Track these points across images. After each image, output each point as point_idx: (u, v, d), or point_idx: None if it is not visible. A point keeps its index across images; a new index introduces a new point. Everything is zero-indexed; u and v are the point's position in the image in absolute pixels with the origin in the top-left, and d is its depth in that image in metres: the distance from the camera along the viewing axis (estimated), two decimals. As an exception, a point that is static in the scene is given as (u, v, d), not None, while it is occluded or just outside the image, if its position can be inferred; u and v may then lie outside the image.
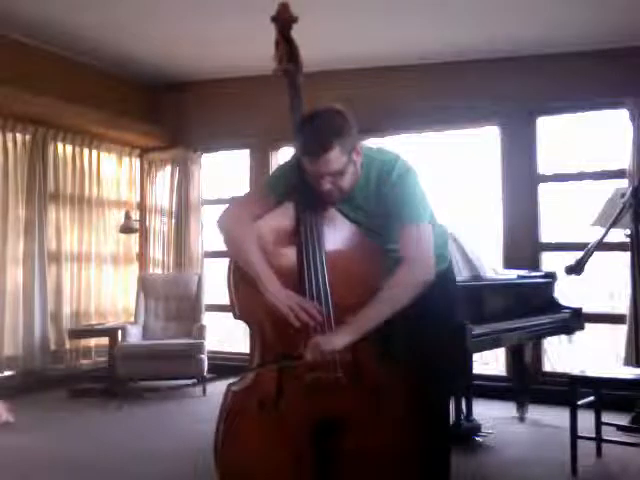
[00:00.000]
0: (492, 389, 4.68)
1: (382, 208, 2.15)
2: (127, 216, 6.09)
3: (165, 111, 6.33)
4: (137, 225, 6.27)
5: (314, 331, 2.03)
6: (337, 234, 2.18)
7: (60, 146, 5.83)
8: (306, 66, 2.40)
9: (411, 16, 4.49)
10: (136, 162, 6.55)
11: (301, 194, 2.15)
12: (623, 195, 3.83)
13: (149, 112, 6.25)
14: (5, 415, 4.22)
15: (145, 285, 5.78)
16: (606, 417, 3.45)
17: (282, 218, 2.16)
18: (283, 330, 2.04)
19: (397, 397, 2.09)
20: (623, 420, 3.81)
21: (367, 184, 2.16)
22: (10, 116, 5.31)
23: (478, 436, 3.72)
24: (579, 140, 5.39)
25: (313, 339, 2.00)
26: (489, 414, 4.19)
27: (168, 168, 6.38)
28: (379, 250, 2.19)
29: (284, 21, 2.38)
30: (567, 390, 3.21)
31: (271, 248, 2.13)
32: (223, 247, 2.23)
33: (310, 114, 2.09)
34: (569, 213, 5.64)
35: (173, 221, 6.29)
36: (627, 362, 4.36)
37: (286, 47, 2.37)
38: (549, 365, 5.06)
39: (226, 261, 2.21)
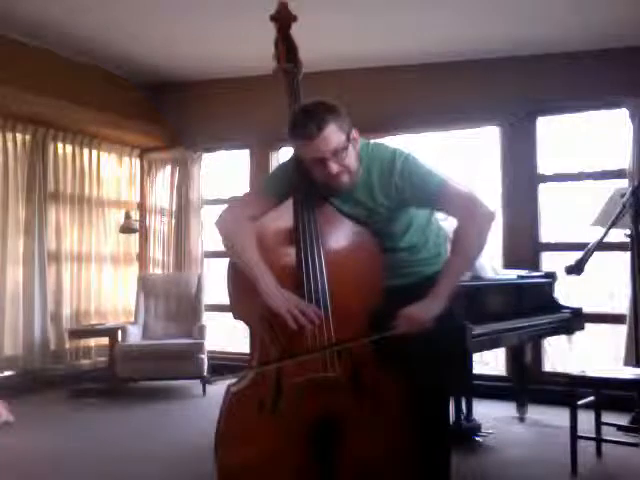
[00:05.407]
0: (492, 389, 4.68)
1: (394, 199, 2.14)
2: (127, 216, 6.10)
3: (165, 111, 6.33)
4: (137, 225, 6.27)
5: (312, 333, 2.03)
6: (337, 234, 2.18)
7: (60, 146, 5.83)
8: (306, 66, 2.41)
9: (411, 16, 4.49)
10: (136, 162, 6.55)
11: (300, 194, 2.14)
12: (623, 195, 3.82)
13: (149, 112, 6.25)
14: (5, 415, 4.22)
15: (145, 285, 5.78)
16: (606, 417, 3.45)
17: (281, 218, 2.16)
18: (281, 331, 2.04)
19: (396, 397, 2.09)
20: (623, 420, 3.80)
21: (369, 179, 2.15)
22: (10, 116, 5.30)
23: (478, 436, 3.72)
24: (579, 140, 5.39)
25: (405, 310, 2.01)
26: (489, 414, 4.19)
27: (168, 168, 6.38)
28: (379, 249, 2.19)
29: (283, 20, 2.40)
30: (567, 390, 3.21)
31: (270, 248, 2.13)
32: (223, 247, 2.23)
33: (300, 108, 2.12)
34: (569, 213, 5.63)
35: (173, 221, 6.29)
36: (627, 362, 4.35)
37: (285, 46, 2.38)
38: (549, 365, 5.06)
39: (226, 261, 2.21)
